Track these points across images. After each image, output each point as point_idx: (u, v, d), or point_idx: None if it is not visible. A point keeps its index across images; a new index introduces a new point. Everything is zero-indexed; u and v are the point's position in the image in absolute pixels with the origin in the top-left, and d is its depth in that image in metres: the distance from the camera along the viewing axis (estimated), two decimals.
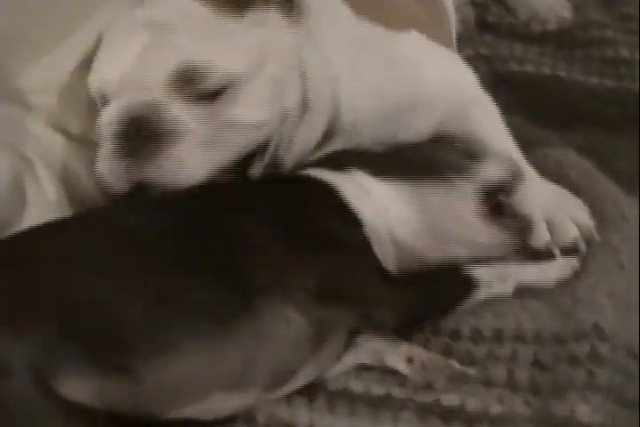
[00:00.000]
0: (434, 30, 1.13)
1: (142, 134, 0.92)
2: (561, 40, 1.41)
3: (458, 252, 0.98)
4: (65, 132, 1.11)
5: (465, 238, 0.98)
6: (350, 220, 0.97)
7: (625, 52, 1.35)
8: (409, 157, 1.04)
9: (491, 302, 0.97)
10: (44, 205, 1.03)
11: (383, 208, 0.99)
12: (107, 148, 0.95)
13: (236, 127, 0.94)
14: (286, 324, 0.85)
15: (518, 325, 0.95)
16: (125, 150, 0.93)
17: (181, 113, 0.92)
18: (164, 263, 0.84)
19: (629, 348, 0.93)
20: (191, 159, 0.93)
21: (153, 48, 0.93)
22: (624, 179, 1.13)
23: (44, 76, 1.10)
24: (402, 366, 0.94)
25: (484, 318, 0.97)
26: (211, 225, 0.91)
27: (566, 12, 1.46)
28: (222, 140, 0.94)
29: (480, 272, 0.97)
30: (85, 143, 1.10)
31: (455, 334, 0.97)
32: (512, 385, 0.90)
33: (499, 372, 0.91)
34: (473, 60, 1.32)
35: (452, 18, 1.32)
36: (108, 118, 0.95)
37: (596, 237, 1.02)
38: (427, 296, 0.96)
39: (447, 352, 0.94)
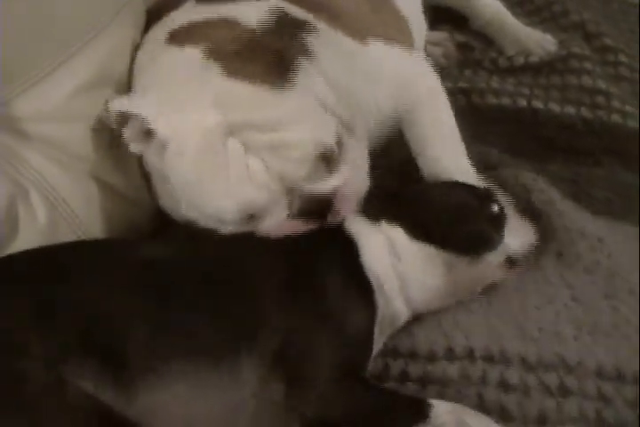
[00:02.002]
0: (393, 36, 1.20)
1: None
2: (539, 70, 1.45)
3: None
4: (57, 160, 1.14)
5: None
6: (356, 284, 0.99)
7: (601, 84, 1.39)
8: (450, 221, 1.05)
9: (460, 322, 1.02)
10: (35, 228, 1.06)
11: (404, 273, 1.01)
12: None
13: None
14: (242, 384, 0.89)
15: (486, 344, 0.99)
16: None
17: None
18: (174, 296, 0.93)
19: (600, 371, 0.98)
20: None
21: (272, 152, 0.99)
22: (602, 205, 1.18)
23: (38, 104, 1.12)
24: None
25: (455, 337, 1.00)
26: (225, 266, 0.97)
27: (552, 46, 1.51)
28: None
29: (438, 411, 0.92)
30: (80, 170, 1.14)
31: (431, 356, 1.00)
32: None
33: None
34: (452, 93, 1.37)
35: (418, 30, 1.38)
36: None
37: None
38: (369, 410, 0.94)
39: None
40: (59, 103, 1.14)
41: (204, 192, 0.99)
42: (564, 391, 0.96)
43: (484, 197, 1.04)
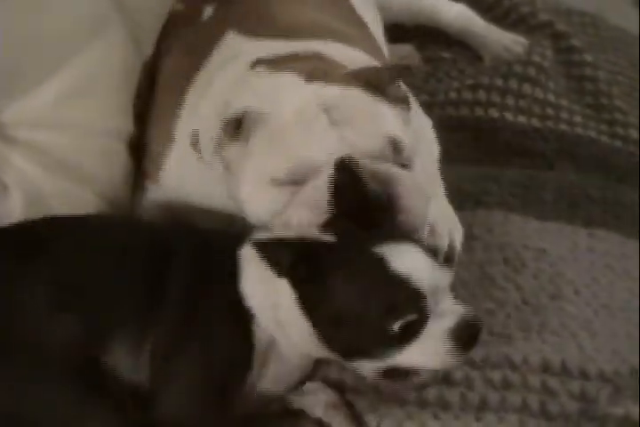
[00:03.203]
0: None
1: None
2: (497, 69, 1.54)
3: None
4: (40, 162, 1.22)
5: None
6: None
7: (551, 97, 1.49)
8: None
9: None
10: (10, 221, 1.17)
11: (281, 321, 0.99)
12: None
13: None
14: None
15: None
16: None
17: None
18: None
19: (545, 366, 1.05)
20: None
21: (354, 126, 1.04)
22: (550, 209, 1.28)
23: (24, 112, 1.20)
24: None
25: None
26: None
27: (519, 48, 1.59)
28: None
29: None
30: (62, 172, 1.23)
31: None
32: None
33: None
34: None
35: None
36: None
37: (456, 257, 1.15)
38: None
39: None
40: (44, 111, 1.22)
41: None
42: (507, 385, 1.03)
43: (394, 310, 0.92)
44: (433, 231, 1.12)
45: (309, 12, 1.27)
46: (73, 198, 1.25)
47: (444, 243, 1.14)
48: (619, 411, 1.00)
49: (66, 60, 1.24)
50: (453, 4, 1.67)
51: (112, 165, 1.29)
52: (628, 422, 0.99)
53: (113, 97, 1.29)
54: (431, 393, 1.01)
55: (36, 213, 1.17)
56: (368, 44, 1.30)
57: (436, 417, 0.99)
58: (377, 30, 1.47)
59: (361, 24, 1.38)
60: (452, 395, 1.01)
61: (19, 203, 1.19)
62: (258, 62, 1.13)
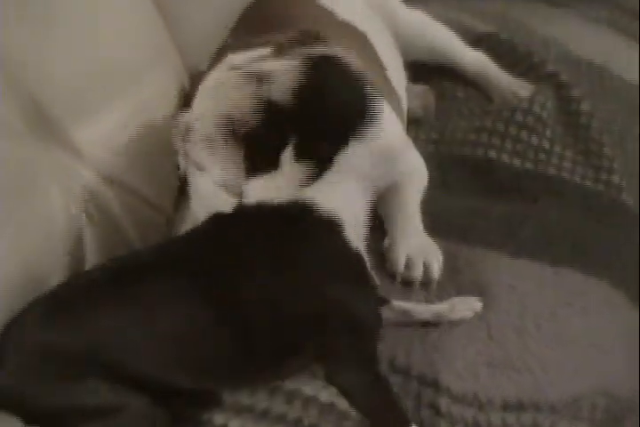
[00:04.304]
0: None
1: None
2: (500, 114, 1.69)
3: None
4: (109, 180, 1.35)
5: None
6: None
7: (545, 143, 1.65)
8: None
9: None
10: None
11: None
12: None
13: None
14: None
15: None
16: None
17: None
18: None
19: (505, 404, 1.18)
20: None
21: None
22: (524, 246, 1.44)
23: (90, 132, 1.32)
24: None
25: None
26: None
27: (525, 93, 1.75)
28: None
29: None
30: (128, 191, 1.37)
31: None
32: None
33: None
34: (426, 143, 1.66)
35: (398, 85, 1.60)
36: None
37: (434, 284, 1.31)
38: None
39: None
40: (107, 134, 1.35)
41: None
42: (476, 423, 1.16)
43: None
44: (410, 264, 1.31)
45: None
46: (139, 216, 1.39)
47: (418, 274, 1.31)
48: None
49: (124, 90, 1.38)
50: (471, 49, 1.84)
51: (168, 183, 1.46)
52: None
53: None
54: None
55: (105, 230, 1.31)
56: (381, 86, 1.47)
57: None
58: (395, 71, 1.64)
59: (378, 65, 1.55)
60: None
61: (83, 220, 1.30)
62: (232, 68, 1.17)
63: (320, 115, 1.10)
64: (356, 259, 1.11)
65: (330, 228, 1.10)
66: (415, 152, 1.49)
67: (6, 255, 1.15)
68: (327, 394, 1.14)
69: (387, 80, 1.56)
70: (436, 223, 1.42)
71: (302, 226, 1.10)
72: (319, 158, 1.10)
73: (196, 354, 1.09)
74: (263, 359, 1.10)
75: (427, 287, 1.31)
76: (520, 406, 1.17)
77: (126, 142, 1.36)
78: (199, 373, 1.11)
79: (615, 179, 1.63)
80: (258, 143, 1.10)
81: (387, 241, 1.37)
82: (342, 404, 1.12)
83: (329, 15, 1.55)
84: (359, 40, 1.54)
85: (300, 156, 1.09)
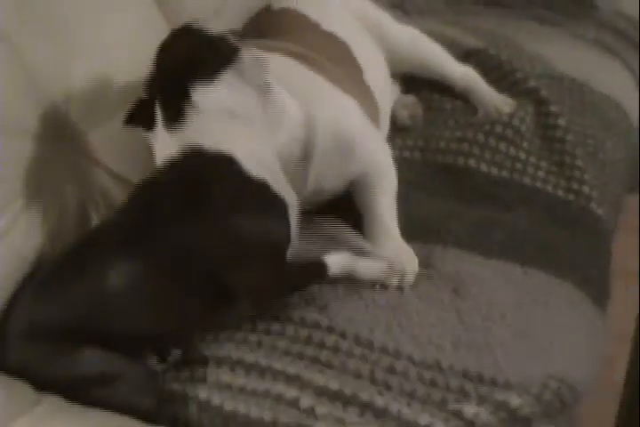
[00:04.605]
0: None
1: None
2: (482, 126, 1.82)
3: None
4: (120, 179, 1.50)
5: None
6: None
7: (522, 154, 1.78)
8: None
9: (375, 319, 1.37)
10: None
11: None
12: None
13: None
14: None
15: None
16: None
17: None
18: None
19: (465, 373, 1.30)
20: None
21: None
22: (496, 248, 1.57)
23: (108, 131, 1.46)
24: None
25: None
26: None
27: (507, 108, 1.88)
28: None
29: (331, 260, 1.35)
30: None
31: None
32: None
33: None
34: (412, 149, 1.80)
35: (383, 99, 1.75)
36: None
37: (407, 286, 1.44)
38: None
39: None
40: (118, 135, 1.46)
41: None
42: (433, 384, 1.28)
43: None
44: (389, 269, 1.44)
45: None
46: None
47: (394, 282, 1.44)
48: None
49: (135, 91, 1.43)
50: (460, 64, 1.96)
51: None
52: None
53: None
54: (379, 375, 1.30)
55: None
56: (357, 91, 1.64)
57: (380, 393, 1.26)
58: (375, 77, 1.78)
59: (356, 69, 1.72)
60: (394, 382, 1.28)
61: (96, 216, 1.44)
62: None
63: (165, 69, 1.32)
64: (256, 185, 1.28)
65: (222, 164, 1.27)
66: (384, 153, 1.62)
67: (19, 249, 1.29)
68: (309, 372, 1.29)
69: (363, 83, 1.71)
70: (415, 225, 1.56)
71: (197, 170, 1.28)
72: (176, 104, 1.30)
73: (153, 304, 1.25)
74: (203, 299, 1.27)
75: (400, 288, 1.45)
76: (480, 379, 1.29)
77: (135, 141, 1.45)
78: (163, 321, 1.27)
79: (585, 189, 1.75)
80: (145, 109, 1.33)
81: (366, 246, 1.51)
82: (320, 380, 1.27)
83: (315, 26, 1.74)
84: (340, 48, 1.73)
85: (163, 108, 1.31)
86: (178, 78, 1.31)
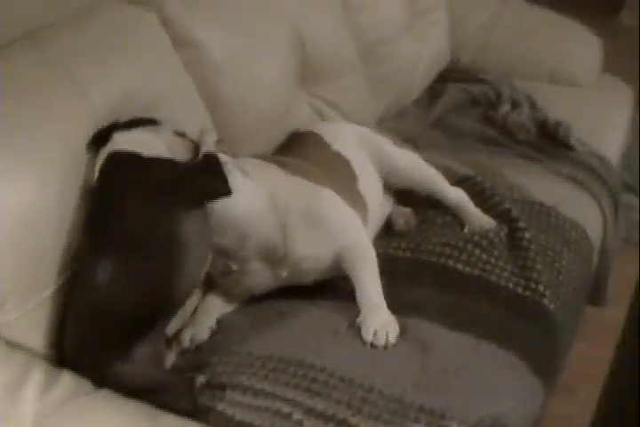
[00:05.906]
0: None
1: None
2: (460, 240, 2.27)
3: None
4: None
5: None
6: None
7: (492, 258, 2.24)
8: None
9: None
10: None
11: None
12: None
13: None
14: None
15: None
16: None
17: None
18: None
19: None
20: None
21: None
22: (460, 324, 2.02)
23: None
24: None
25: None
26: None
27: (489, 226, 2.34)
28: None
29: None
30: None
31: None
32: None
33: None
34: (403, 250, 2.26)
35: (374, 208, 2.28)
36: None
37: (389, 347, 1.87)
38: None
39: None
40: None
41: None
42: (395, 412, 1.67)
43: None
44: (375, 335, 1.87)
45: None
46: None
47: (382, 343, 1.85)
48: None
49: None
50: (453, 187, 2.44)
51: None
52: None
53: None
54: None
55: None
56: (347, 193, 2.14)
57: (353, 415, 1.70)
58: (369, 187, 2.29)
59: (352, 179, 2.25)
60: (365, 409, 1.71)
61: None
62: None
63: None
64: (163, 166, 1.70)
65: (133, 157, 1.67)
66: (359, 230, 2.09)
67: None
68: (302, 397, 1.73)
69: (355, 189, 2.22)
70: (398, 303, 2.00)
71: (120, 167, 1.68)
72: None
73: (139, 285, 1.66)
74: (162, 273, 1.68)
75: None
76: (431, 412, 1.68)
77: None
78: (157, 297, 1.69)
79: (540, 288, 2.18)
80: None
81: (360, 318, 1.92)
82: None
83: (326, 145, 2.31)
84: (341, 163, 2.27)
85: None
86: None
